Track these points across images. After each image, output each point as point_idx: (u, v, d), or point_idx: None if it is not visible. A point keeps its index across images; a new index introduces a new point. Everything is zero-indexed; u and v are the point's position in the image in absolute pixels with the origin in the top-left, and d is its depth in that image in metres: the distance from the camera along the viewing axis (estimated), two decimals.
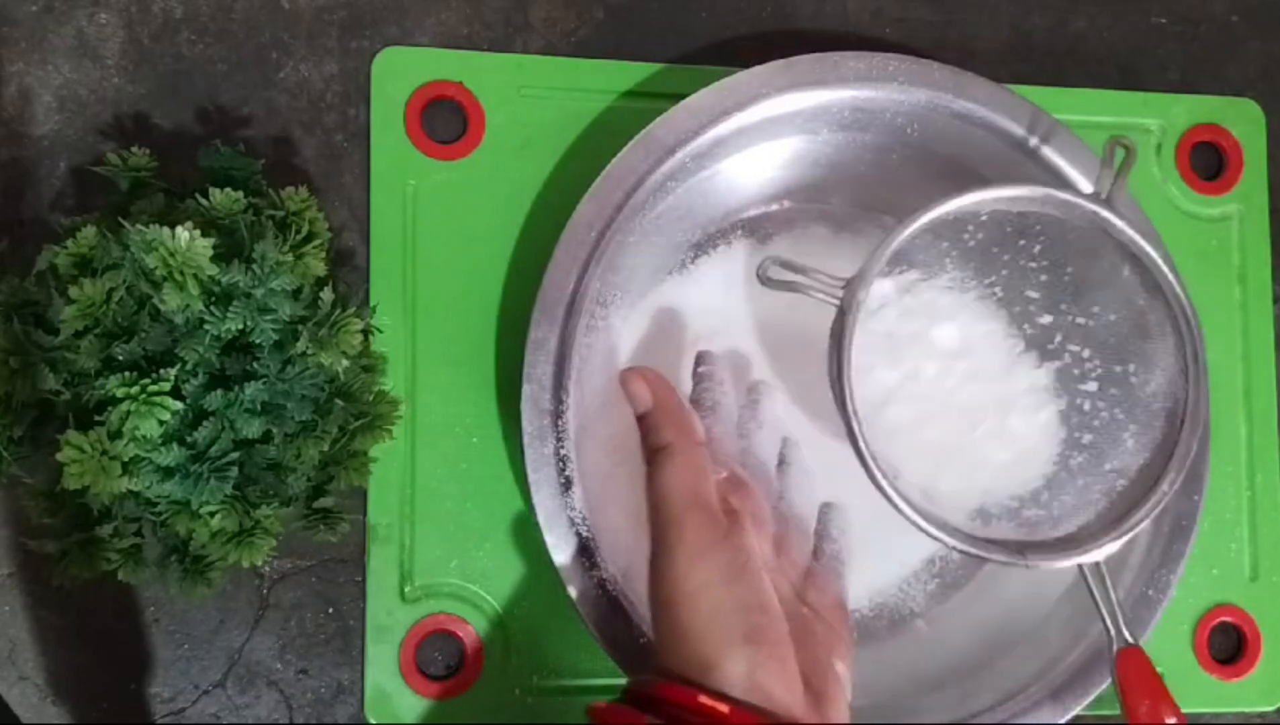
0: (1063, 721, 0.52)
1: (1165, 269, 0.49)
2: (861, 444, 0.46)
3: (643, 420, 0.46)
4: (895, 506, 0.46)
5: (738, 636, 0.40)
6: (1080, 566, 0.48)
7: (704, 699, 0.38)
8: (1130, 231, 0.49)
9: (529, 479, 0.49)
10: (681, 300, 0.55)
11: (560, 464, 0.49)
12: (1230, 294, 0.61)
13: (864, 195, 0.57)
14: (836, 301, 0.47)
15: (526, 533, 0.54)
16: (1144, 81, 0.62)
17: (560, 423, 0.50)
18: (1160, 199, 0.61)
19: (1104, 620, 0.48)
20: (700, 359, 0.51)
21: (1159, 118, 0.61)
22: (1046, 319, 0.53)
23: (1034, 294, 0.53)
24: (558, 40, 0.57)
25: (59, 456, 0.42)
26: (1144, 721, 0.47)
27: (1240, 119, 0.62)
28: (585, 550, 0.49)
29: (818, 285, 0.48)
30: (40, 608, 0.51)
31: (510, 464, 0.54)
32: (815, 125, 0.54)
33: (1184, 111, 0.62)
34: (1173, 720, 0.47)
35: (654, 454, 0.44)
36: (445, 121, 0.55)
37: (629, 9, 0.58)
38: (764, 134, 0.53)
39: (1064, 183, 0.54)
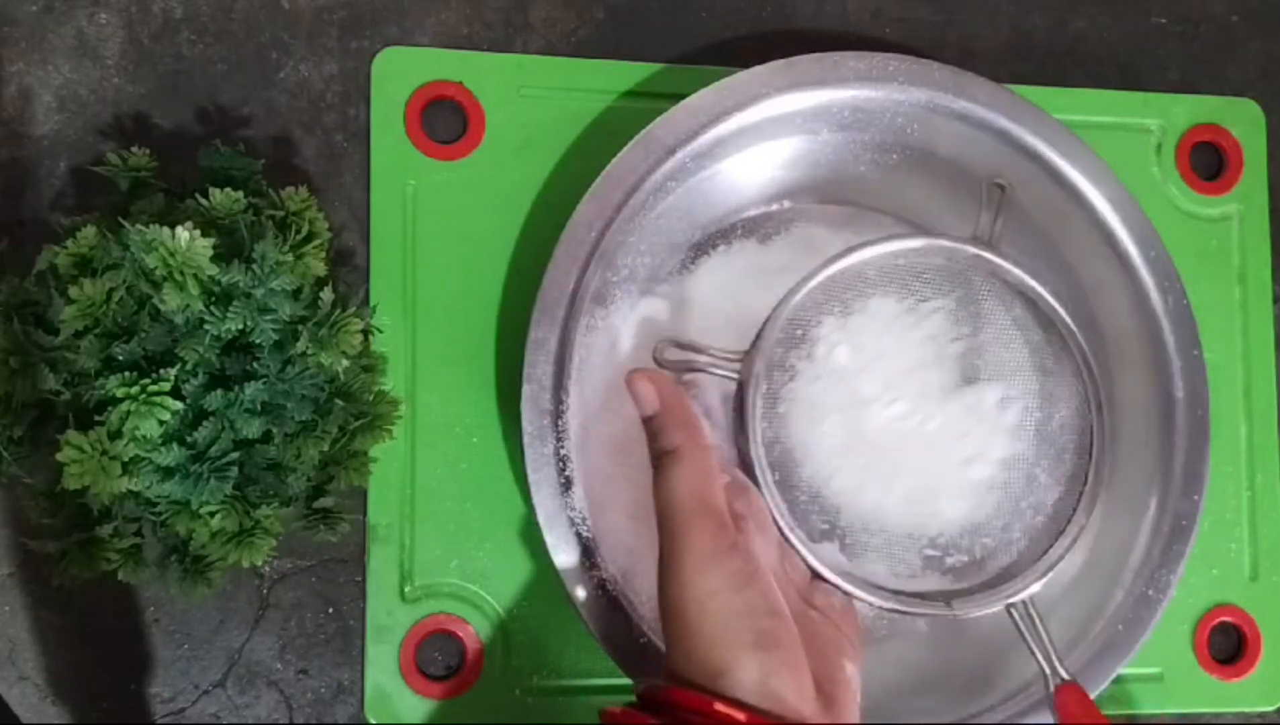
0: None
1: (1055, 304, 0.49)
2: (779, 517, 0.46)
3: (649, 423, 0.46)
4: (815, 571, 0.46)
5: (749, 642, 0.39)
6: (1008, 609, 0.48)
7: (720, 706, 0.38)
8: (1017, 271, 0.49)
9: (529, 479, 0.49)
10: (681, 300, 0.55)
11: (560, 464, 0.49)
12: (1230, 294, 0.61)
13: (864, 195, 0.57)
14: (735, 376, 0.48)
15: (526, 533, 0.54)
16: (1144, 81, 0.62)
17: (560, 423, 0.50)
18: (1160, 199, 0.61)
19: (1037, 659, 0.48)
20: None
21: (1159, 118, 0.61)
22: (954, 362, 0.53)
23: (939, 334, 0.53)
24: (558, 40, 0.57)
25: (59, 456, 0.42)
26: None
27: (1240, 119, 0.62)
28: (585, 550, 0.49)
29: (715, 361, 0.48)
30: (40, 608, 0.51)
31: (510, 464, 0.54)
32: (815, 125, 0.54)
33: (1184, 111, 0.62)
34: None
35: (661, 457, 0.44)
36: (445, 121, 0.55)
37: (629, 9, 0.58)
38: (764, 134, 0.53)
39: (1064, 183, 0.54)
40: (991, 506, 0.52)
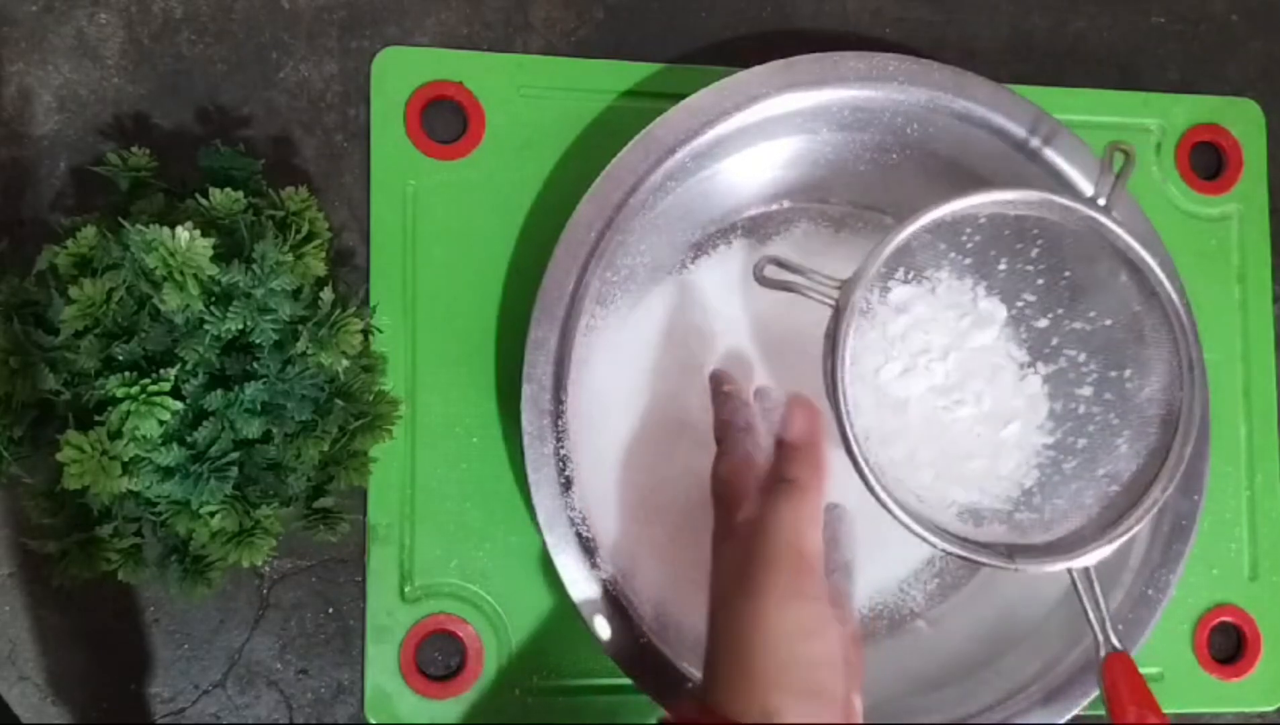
0: (1062, 722, 0.52)
1: (1162, 275, 0.49)
2: (854, 445, 0.46)
3: (786, 447, 0.46)
4: (885, 507, 0.46)
5: (806, 690, 0.40)
6: (1070, 571, 0.47)
7: None
8: (1127, 237, 0.49)
9: (529, 479, 0.49)
10: (681, 300, 0.55)
11: (560, 464, 0.49)
12: (1230, 294, 0.61)
13: (864, 195, 0.57)
14: (832, 302, 0.47)
15: (526, 533, 0.54)
16: (1144, 81, 0.62)
17: (560, 423, 0.50)
18: (1160, 199, 0.61)
19: (1092, 626, 0.48)
20: (721, 378, 0.51)
21: (1159, 118, 0.61)
22: (1043, 323, 0.53)
23: (1031, 297, 0.53)
24: (558, 40, 0.57)
25: (59, 456, 0.42)
26: (1131, 723, 0.47)
27: (1240, 119, 0.62)
28: (585, 550, 0.49)
29: (814, 285, 0.47)
30: (40, 608, 0.51)
31: (510, 464, 0.54)
32: (815, 125, 0.54)
33: (1184, 111, 0.62)
34: (1157, 723, 0.47)
35: (781, 484, 0.44)
36: (445, 121, 0.55)
37: (629, 9, 0.58)
38: (764, 134, 0.53)
39: (1064, 183, 0.54)
40: (1069, 469, 0.51)
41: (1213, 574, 0.60)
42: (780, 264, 0.48)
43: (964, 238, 0.51)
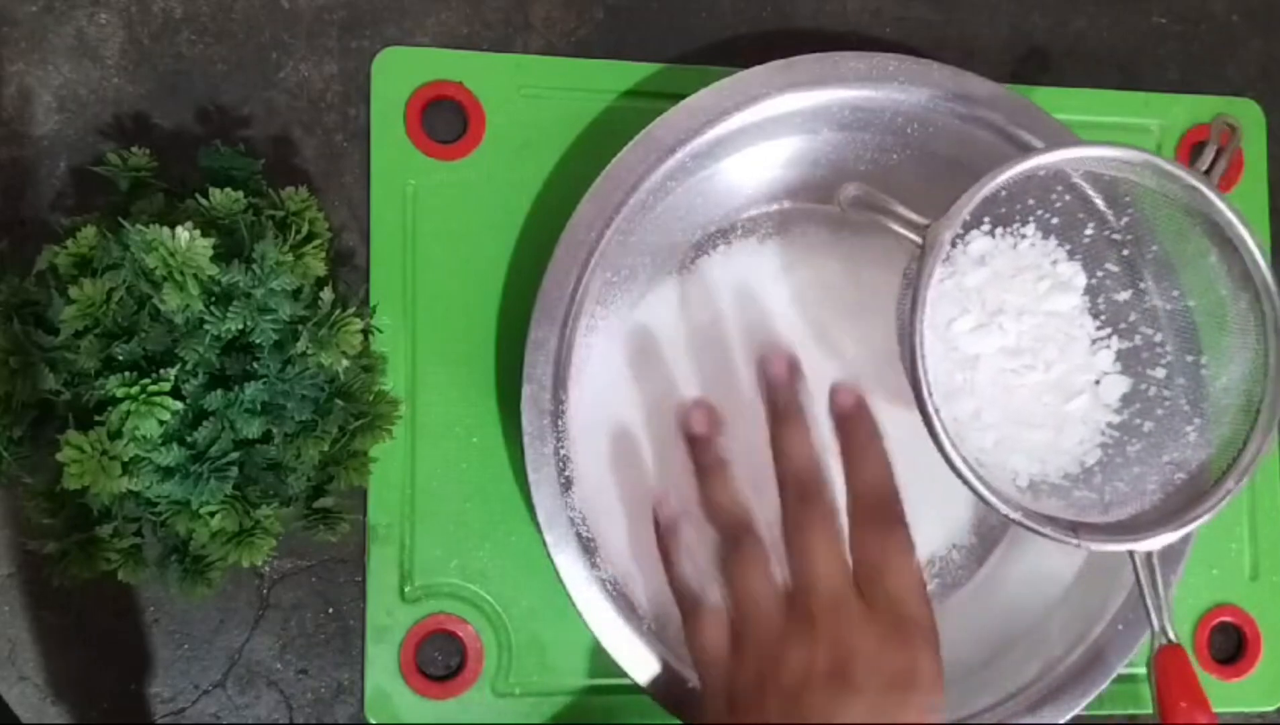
0: (1062, 721, 0.52)
1: (1260, 259, 0.47)
2: (926, 393, 0.44)
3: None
4: (953, 465, 0.44)
5: None
6: (1132, 555, 0.46)
7: None
8: (1230, 214, 0.47)
9: (529, 479, 0.49)
10: (681, 300, 0.55)
11: (560, 464, 0.50)
12: None
13: (864, 195, 0.57)
14: (918, 238, 0.45)
15: (526, 533, 0.54)
16: (1144, 81, 0.62)
17: (560, 423, 0.50)
18: None
19: (1149, 614, 0.46)
20: (692, 420, 0.50)
21: (1159, 118, 0.61)
22: (1123, 296, 0.51)
23: (1114, 268, 0.51)
24: (558, 40, 0.57)
25: (59, 456, 0.42)
26: (1178, 722, 0.46)
27: (1240, 119, 0.62)
28: (585, 550, 0.49)
29: (899, 218, 0.46)
30: (40, 608, 0.51)
31: (510, 464, 0.54)
32: (815, 125, 0.54)
33: (1184, 111, 0.62)
34: (1206, 723, 0.46)
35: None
36: (445, 121, 0.55)
37: (629, 9, 0.58)
38: (764, 134, 0.53)
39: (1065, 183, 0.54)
40: (1133, 452, 0.50)
41: (1213, 574, 0.60)
42: (863, 196, 0.46)
43: (1054, 196, 0.49)
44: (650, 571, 0.52)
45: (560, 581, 0.49)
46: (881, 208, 0.46)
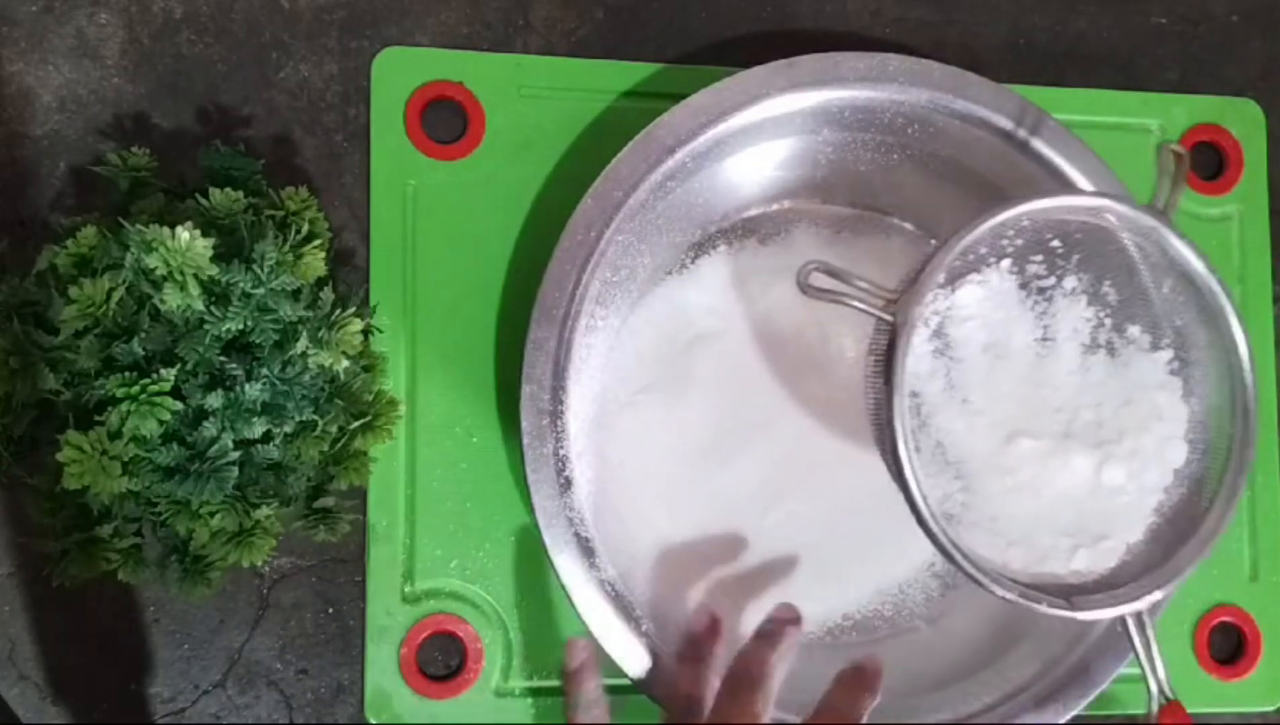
0: (1062, 721, 0.52)
1: (1219, 291, 0.46)
2: (911, 477, 0.43)
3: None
4: (948, 554, 0.43)
5: None
6: (1125, 622, 0.45)
7: None
8: (1186, 250, 0.46)
9: (529, 479, 0.49)
10: (681, 300, 0.55)
11: (560, 464, 0.50)
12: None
13: (864, 195, 0.57)
14: (888, 316, 0.44)
15: (526, 533, 0.54)
16: (1144, 81, 0.62)
17: (560, 423, 0.50)
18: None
19: (1145, 674, 0.46)
20: (576, 669, 0.48)
21: (1159, 118, 0.61)
22: (1088, 338, 0.49)
23: (1079, 311, 0.50)
24: (558, 40, 0.57)
25: (59, 456, 0.42)
26: None
27: (1240, 119, 0.62)
28: (585, 550, 0.49)
29: (865, 297, 0.44)
30: (40, 608, 0.51)
31: (510, 464, 0.54)
32: (815, 125, 0.54)
33: (1184, 111, 0.62)
34: None
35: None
36: (445, 121, 0.55)
37: (629, 9, 0.58)
38: (764, 134, 0.53)
39: (1065, 183, 0.54)
40: (1119, 503, 0.48)
41: (1213, 574, 0.60)
42: (829, 272, 0.44)
43: (1004, 242, 0.48)
44: (650, 571, 0.52)
45: (560, 581, 0.49)
46: (847, 282, 0.44)
